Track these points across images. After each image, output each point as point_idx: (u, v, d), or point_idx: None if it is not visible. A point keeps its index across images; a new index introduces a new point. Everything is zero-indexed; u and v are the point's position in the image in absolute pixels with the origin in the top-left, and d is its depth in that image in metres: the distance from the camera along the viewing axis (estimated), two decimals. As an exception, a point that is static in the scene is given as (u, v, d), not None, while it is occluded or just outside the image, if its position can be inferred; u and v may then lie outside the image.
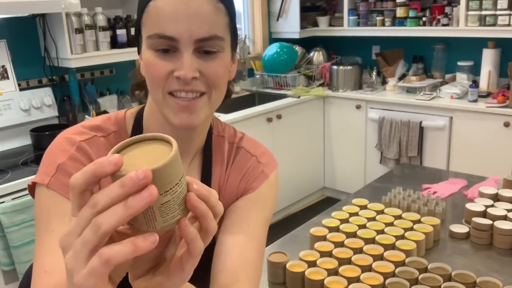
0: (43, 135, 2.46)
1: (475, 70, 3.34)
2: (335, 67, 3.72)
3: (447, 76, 3.53)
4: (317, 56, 4.00)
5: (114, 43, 2.72)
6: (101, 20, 2.62)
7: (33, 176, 0.81)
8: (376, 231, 1.32)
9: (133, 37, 2.67)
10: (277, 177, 0.95)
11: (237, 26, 3.84)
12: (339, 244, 1.28)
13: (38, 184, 0.78)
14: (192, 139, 0.85)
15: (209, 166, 0.90)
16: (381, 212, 1.48)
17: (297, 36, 3.89)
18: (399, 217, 1.44)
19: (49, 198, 0.77)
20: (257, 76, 3.95)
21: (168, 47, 0.72)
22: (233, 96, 3.95)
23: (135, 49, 0.83)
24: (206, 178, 0.89)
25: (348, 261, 1.19)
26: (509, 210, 1.42)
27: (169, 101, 0.75)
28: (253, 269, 0.84)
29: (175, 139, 0.83)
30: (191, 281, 0.89)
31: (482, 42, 3.23)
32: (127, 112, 0.89)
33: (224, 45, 0.75)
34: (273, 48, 3.80)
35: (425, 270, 1.16)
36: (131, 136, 0.84)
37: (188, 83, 0.72)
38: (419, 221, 1.39)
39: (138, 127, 0.86)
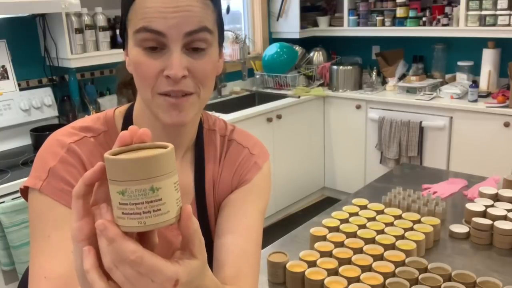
0: (43, 135, 2.46)
1: (475, 70, 3.34)
2: (335, 67, 3.72)
3: (447, 76, 3.53)
4: (317, 56, 4.00)
5: (114, 43, 2.72)
6: (101, 20, 2.62)
7: (30, 178, 0.81)
8: (376, 231, 1.32)
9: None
10: (270, 167, 0.96)
11: (237, 26, 3.80)
12: (339, 244, 1.28)
13: (31, 189, 0.78)
14: (182, 134, 0.86)
15: (201, 161, 0.90)
16: (381, 212, 1.48)
17: (297, 36, 3.89)
18: (399, 217, 1.44)
19: (42, 203, 0.77)
20: (257, 76, 3.95)
21: (156, 45, 0.71)
22: (233, 96, 3.94)
23: None
24: (199, 173, 0.90)
25: (348, 261, 1.19)
26: (509, 210, 1.42)
27: (159, 100, 0.74)
28: (253, 261, 0.85)
29: (165, 134, 0.85)
30: None
31: (482, 42, 3.23)
32: (116, 110, 0.88)
33: (212, 40, 0.75)
34: (273, 48, 3.80)
35: (425, 270, 1.16)
36: None
37: (177, 82, 0.72)
38: (419, 221, 1.39)
39: (128, 125, 0.85)
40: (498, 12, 3.00)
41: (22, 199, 1.95)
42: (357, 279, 1.12)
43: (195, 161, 0.90)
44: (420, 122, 3.20)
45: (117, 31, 2.71)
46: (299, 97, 3.55)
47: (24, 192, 0.80)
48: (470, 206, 1.46)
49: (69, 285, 0.69)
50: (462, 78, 3.37)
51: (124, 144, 0.51)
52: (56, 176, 0.77)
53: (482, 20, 3.08)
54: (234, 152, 0.93)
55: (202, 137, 0.91)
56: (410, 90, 3.41)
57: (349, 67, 3.68)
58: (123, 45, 0.80)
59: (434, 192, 1.69)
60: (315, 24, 4.03)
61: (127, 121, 0.86)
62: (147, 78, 0.73)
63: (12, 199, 1.97)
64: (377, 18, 3.59)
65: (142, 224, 0.48)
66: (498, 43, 3.21)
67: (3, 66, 2.49)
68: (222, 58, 0.83)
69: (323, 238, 1.32)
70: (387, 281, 1.10)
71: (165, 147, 0.51)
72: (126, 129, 0.84)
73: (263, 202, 0.93)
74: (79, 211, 0.51)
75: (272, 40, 4.04)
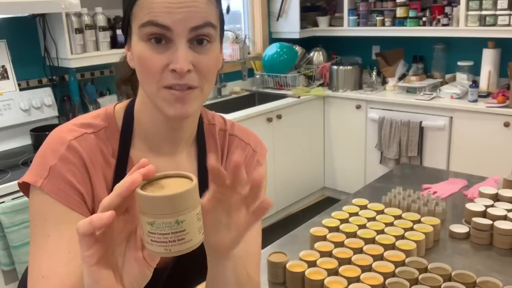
0: (43, 135, 2.46)
1: (475, 70, 3.34)
2: (335, 67, 3.72)
3: (447, 76, 3.53)
4: (317, 56, 4.00)
5: (114, 43, 2.72)
6: (101, 20, 2.62)
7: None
8: (376, 231, 1.32)
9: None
10: (266, 161, 0.99)
11: (237, 26, 3.81)
12: (339, 244, 1.28)
13: (32, 186, 0.79)
14: (183, 128, 0.87)
15: (204, 154, 0.91)
16: (381, 212, 1.47)
17: (297, 36, 3.89)
18: (399, 217, 1.44)
19: (43, 201, 0.77)
20: (257, 76, 3.95)
21: (161, 36, 0.72)
22: (233, 96, 3.93)
23: None
24: (202, 167, 0.91)
25: (348, 261, 1.19)
26: (509, 210, 1.41)
27: (164, 93, 0.75)
28: (256, 261, 0.87)
29: (166, 129, 0.86)
30: (202, 273, 0.91)
31: (482, 42, 3.22)
32: (116, 106, 0.89)
33: (215, 35, 0.77)
34: (273, 48, 3.80)
35: (425, 270, 1.16)
36: (121, 130, 0.86)
37: (182, 76, 0.73)
38: (419, 221, 1.39)
39: (129, 120, 0.86)
40: (498, 12, 3.00)
41: (22, 199, 1.96)
42: (357, 279, 1.12)
43: (198, 155, 0.91)
44: (420, 122, 3.20)
45: (117, 31, 2.71)
46: (299, 97, 3.55)
47: (23, 186, 0.81)
48: (470, 206, 1.46)
49: (66, 285, 0.69)
50: (462, 78, 3.37)
51: (148, 178, 0.56)
52: (56, 174, 0.78)
53: (482, 20, 3.08)
54: (238, 149, 0.94)
55: (203, 131, 0.93)
56: (410, 90, 3.41)
57: (349, 67, 3.68)
58: (125, 40, 0.81)
59: (434, 192, 1.69)
60: (315, 24, 4.03)
61: (128, 115, 0.87)
62: (153, 72, 0.74)
63: (12, 199, 1.97)
64: (377, 18, 3.59)
65: (168, 251, 0.55)
66: (498, 43, 3.21)
67: (3, 66, 2.49)
68: (221, 53, 0.85)
69: (323, 238, 1.32)
70: (387, 281, 1.10)
71: (188, 178, 0.57)
72: (127, 124, 0.85)
73: None
74: (87, 243, 0.53)
75: (272, 40, 4.04)
